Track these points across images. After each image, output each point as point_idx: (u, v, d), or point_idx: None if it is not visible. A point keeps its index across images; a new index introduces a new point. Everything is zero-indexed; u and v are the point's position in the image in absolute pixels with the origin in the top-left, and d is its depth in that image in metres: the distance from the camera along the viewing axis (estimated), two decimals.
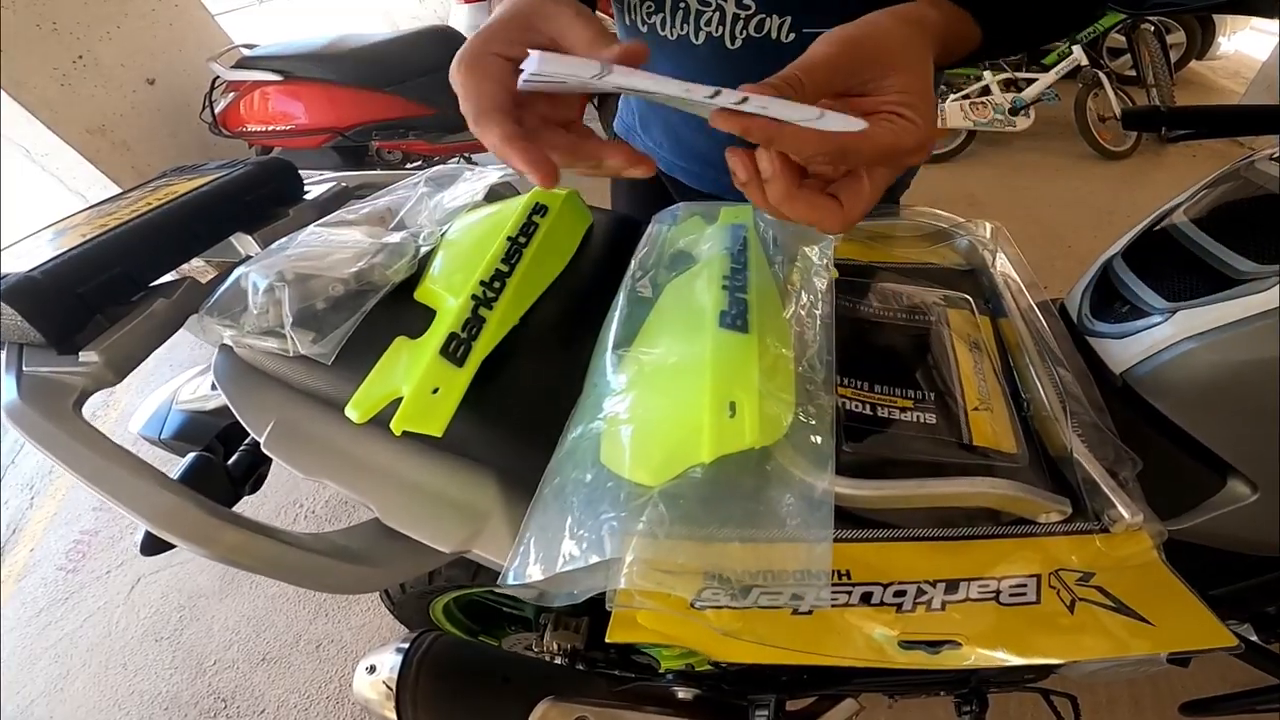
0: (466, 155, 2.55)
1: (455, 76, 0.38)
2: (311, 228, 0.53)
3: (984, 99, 2.71)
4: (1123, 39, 2.90)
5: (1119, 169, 2.79)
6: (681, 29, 0.61)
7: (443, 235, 0.52)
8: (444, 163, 2.87)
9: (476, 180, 0.59)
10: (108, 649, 1.48)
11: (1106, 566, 0.38)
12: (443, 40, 2.52)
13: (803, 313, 0.39)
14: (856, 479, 0.37)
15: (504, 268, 0.46)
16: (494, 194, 0.60)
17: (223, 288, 0.48)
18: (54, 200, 2.78)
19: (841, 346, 0.43)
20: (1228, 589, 0.53)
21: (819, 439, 0.33)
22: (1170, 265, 0.48)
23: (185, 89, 2.87)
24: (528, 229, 0.50)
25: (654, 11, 0.62)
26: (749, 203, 0.35)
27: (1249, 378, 0.41)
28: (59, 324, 0.48)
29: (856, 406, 0.43)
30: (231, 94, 2.54)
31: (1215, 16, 3.77)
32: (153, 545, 0.49)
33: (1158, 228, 0.53)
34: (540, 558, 0.33)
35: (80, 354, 0.48)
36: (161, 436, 0.70)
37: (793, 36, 0.58)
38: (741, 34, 0.59)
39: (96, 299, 0.50)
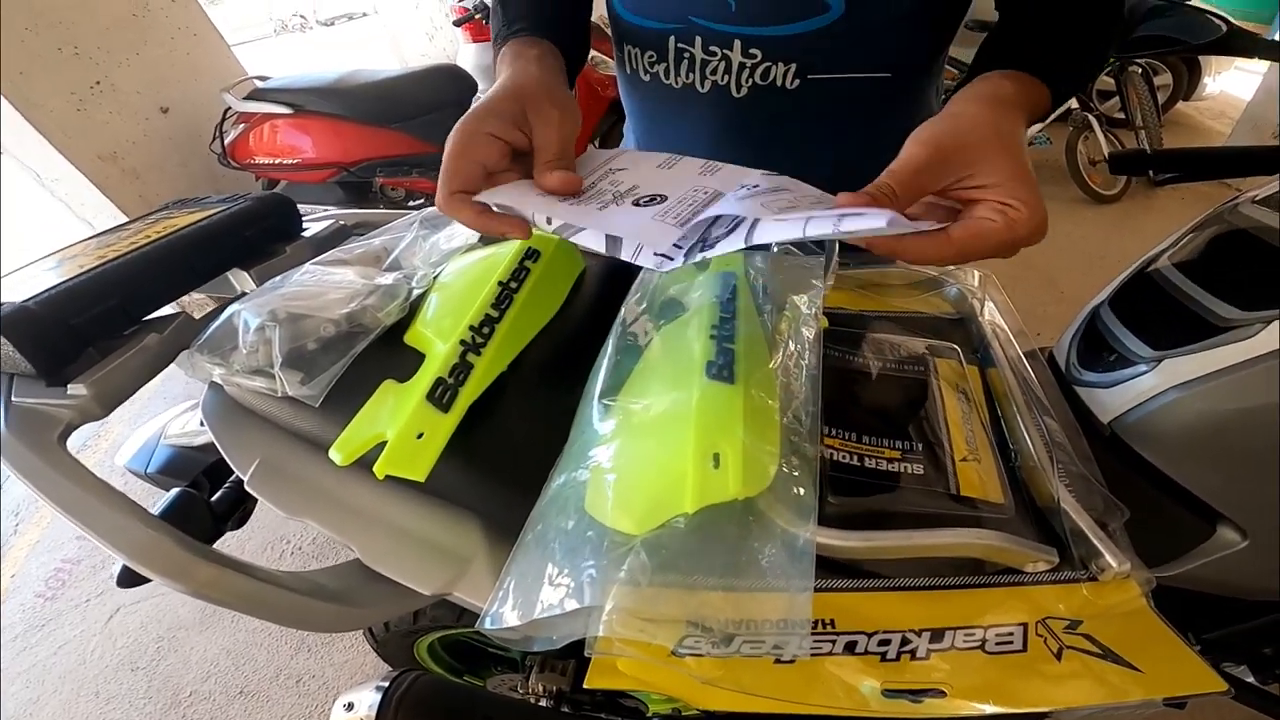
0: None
1: (448, 146, 0.41)
2: (306, 266, 0.53)
3: None
4: (1111, 81, 2.95)
5: (1110, 212, 2.83)
6: (686, 78, 0.63)
7: (435, 278, 0.53)
8: None
9: None
10: (80, 676, 1.45)
11: (1094, 614, 0.37)
12: (450, 79, 2.56)
13: (790, 363, 0.40)
14: (843, 530, 0.37)
15: (494, 313, 0.47)
16: (488, 236, 0.61)
17: (214, 325, 0.48)
18: (62, 226, 2.80)
19: (829, 396, 0.43)
20: (1222, 633, 0.52)
21: (803, 490, 0.33)
22: (1155, 313, 0.49)
23: (198, 118, 2.90)
24: (519, 274, 0.51)
25: (656, 62, 0.64)
26: (737, 253, 0.36)
27: (1236, 426, 0.42)
28: (50, 355, 0.48)
29: (844, 457, 0.43)
30: (242, 125, 2.56)
31: (1201, 58, 3.86)
32: (129, 578, 0.48)
33: (1143, 275, 0.53)
34: (520, 603, 0.33)
35: (69, 386, 0.48)
36: (148, 470, 0.70)
37: (797, 83, 0.60)
38: (747, 82, 0.60)
39: (89, 331, 0.50)
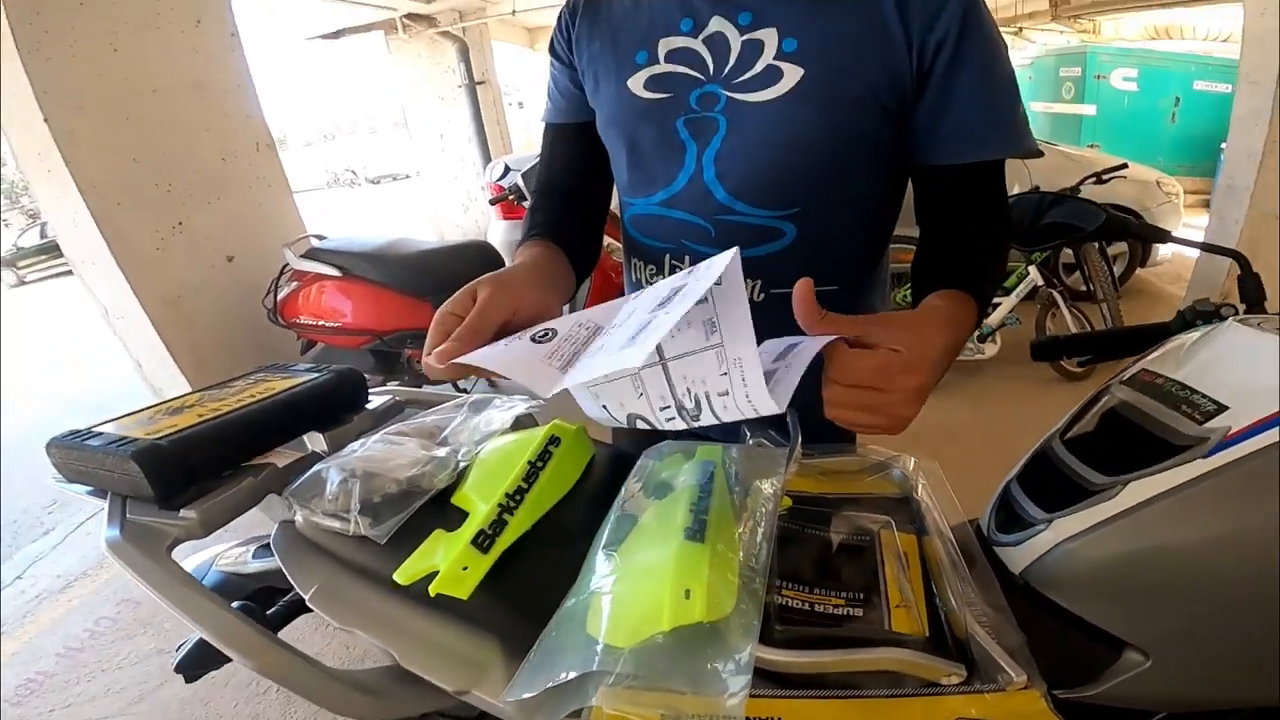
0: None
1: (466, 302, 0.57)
2: (378, 434, 0.68)
3: None
4: (1072, 255, 3.18)
5: (1080, 390, 2.98)
6: None
7: (477, 453, 0.67)
8: (468, 378, 2.95)
9: (507, 410, 0.76)
10: None
11: (1001, 717, 0.46)
12: (480, 257, 2.72)
13: (749, 528, 0.52)
14: (789, 650, 0.48)
15: (524, 484, 0.60)
16: (519, 422, 0.76)
17: (304, 477, 0.62)
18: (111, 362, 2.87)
19: (793, 560, 0.55)
20: None
21: (752, 619, 0.44)
22: (1048, 483, 0.60)
23: (256, 271, 2.98)
24: (544, 455, 0.64)
25: (655, 274, 0.82)
26: (718, 445, 0.50)
27: (1115, 568, 0.52)
28: (169, 485, 0.61)
29: (798, 604, 0.54)
30: (295, 283, 2.69)
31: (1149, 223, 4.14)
32: (193, 664, 0.58)
33: (1040, 452, 0.66)
34: (535, 683, 0.44)
35: (181, 511, 0.60)
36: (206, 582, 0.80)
37: (763, 296, 0.76)
38: None
39: (201, 470, 0.64)
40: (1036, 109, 9.17)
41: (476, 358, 0.49)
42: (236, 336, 3.01)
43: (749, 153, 0.71)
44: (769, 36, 0.70)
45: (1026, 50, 9.75)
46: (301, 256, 2.67)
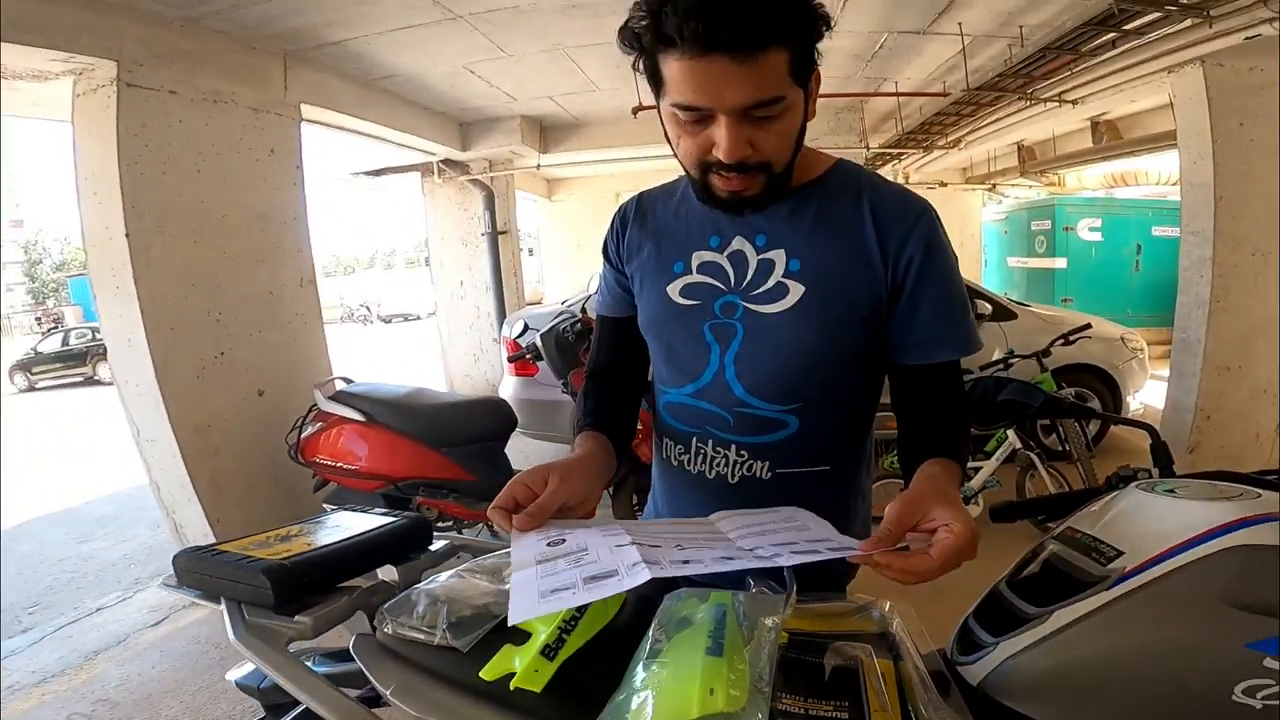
0: (489, 524, 2.72)
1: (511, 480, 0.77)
2: (457, 570, 0.84)
3: None
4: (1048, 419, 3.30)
5: None
6: (700, 467, 0.91)
7: None
8: (472, 527, 2.95)
9: None
10: None
11: None
12: (494, 413, 2.85)
13: (756, 650, 0.66)
14: None
15: (577, 613, 0.75)
16: None
17: (395, 598, 0.77)
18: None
19: (788, 678, 0.69)
20: None
21: (761, 711, 0.58)
22: (995, 615, 0.75)
23: (283, 407, 3.04)
24: None
25: (683, 454, 0.93)
26: (727, 591, 0.67)
27: (1048, 676, 0.66)
28: (287, 596, 0.76)
29: (795, 710, 0.67)
30: (320, 424, 2.76)
31: (1115, 380, 4.28)
32: None
33: (992, 592, 0.81)
34: None
35: (296, 617, 0.74)
36: (260, 687, 0.91)
37: (770, 475, 0.88)
38: (738, 473, 0.89)
39: (310, 586, 0.78)
40: (1013, 264, 9.44)
41: (519, 559, 0.70)
42: (254, 468, 3.07)
43: (762, 357, 0.85)
44: (779, 257, 0.85)
45: (1002, 205, 10.13)
46: (329, 398, 2.79)
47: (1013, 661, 0.69)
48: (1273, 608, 0.58)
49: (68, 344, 14.62)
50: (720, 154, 0.75)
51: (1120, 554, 0.69)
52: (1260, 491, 0.70)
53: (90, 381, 13.72)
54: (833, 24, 0.75)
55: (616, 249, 1.00)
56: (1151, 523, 0.72)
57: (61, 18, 2.49)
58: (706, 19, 0.66)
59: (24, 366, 14.54)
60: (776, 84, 0.71)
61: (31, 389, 14.15)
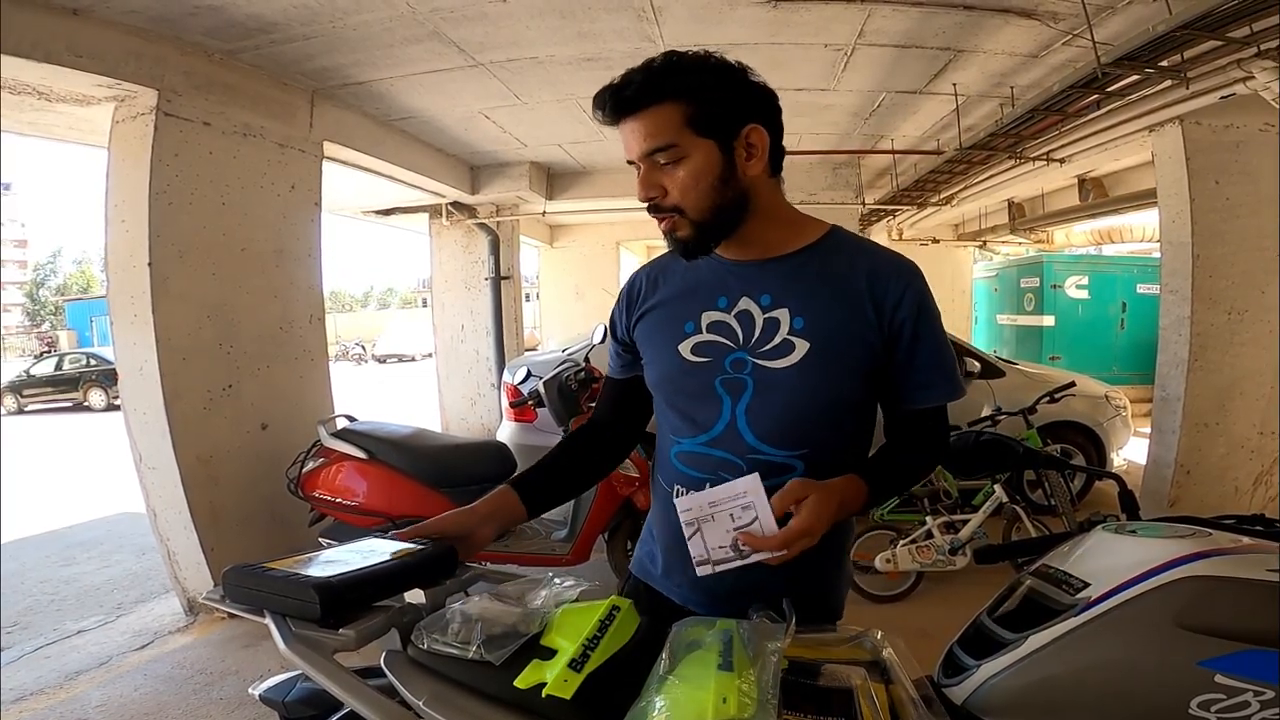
0: (483, 562, 2.75)
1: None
2: (489, 593, 0.91)
3: (927, 542, 3.04)
4: (1034, 472, 3.33)
5: None
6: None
7: (558, 612, 0.88)
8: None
9: (571, 587, 0.95)
10: None
11: None
12: (496, 457, 2.90)
13: (761, 669, 0.73)
14: None
15: (599, 632, 0.82)
16: (584, 595, 0.97)
17: (434, 615, 0.84)
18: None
19: (789, 697, 0.75)
20: None
21: (769, 716, 0.65)
22: (977, 641, 0.83)
23: (285, 442, 3.06)
24: (609, 617, 0.86)
25: (681, 492, 1.03)
26: (733, 620, 0.77)
27: (1023, 693, 0.74)
28: (332, 611, 0.82)
29: None
30: (322, 459, 2.79)
31: (1099, 436, 4.40)
32: None
33: (975, 622, 0.89)
34: None
35: (340, 630, 0.81)
36: (285, 700, 0.96)
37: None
38: None
39: (353, 603, 0.85)
40: (1003, 321, 9.62)
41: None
42: (252, 500, 3.07)
43: (772, 409, 0.94)
44: (784, 315, 0.93)
45: (993, 261, 10.27)
46: (333, 435, 2.83)
47: (992, 681, 0.77)
48: (1221, 630, 0.67)
49: (61, 368, 14.59)
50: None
51: (1087, 585, 0.78)
52: (1211, 531, 0.79)
53: (80, 407, 13.63)
54: (753, 78, 0.91)
55: (625, 322, 1.10)
56: (1115, 558, 0.80)
57: (113, 43, 2.59)
58: (614, 93, 0.88)
59: (15, 389, 14.44)
60: (667, 133, 0.87)
61: (20, 412, 14.02)
